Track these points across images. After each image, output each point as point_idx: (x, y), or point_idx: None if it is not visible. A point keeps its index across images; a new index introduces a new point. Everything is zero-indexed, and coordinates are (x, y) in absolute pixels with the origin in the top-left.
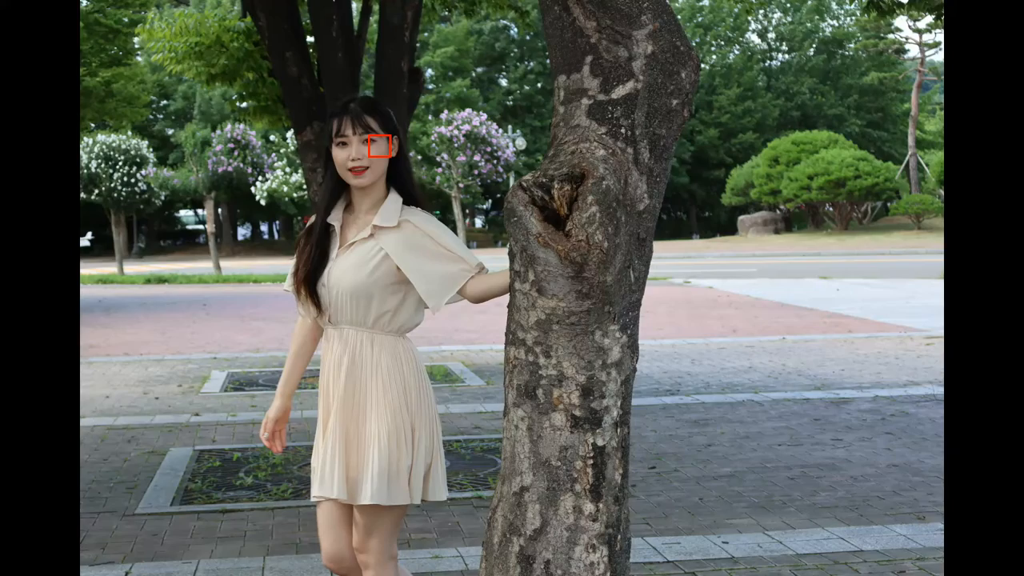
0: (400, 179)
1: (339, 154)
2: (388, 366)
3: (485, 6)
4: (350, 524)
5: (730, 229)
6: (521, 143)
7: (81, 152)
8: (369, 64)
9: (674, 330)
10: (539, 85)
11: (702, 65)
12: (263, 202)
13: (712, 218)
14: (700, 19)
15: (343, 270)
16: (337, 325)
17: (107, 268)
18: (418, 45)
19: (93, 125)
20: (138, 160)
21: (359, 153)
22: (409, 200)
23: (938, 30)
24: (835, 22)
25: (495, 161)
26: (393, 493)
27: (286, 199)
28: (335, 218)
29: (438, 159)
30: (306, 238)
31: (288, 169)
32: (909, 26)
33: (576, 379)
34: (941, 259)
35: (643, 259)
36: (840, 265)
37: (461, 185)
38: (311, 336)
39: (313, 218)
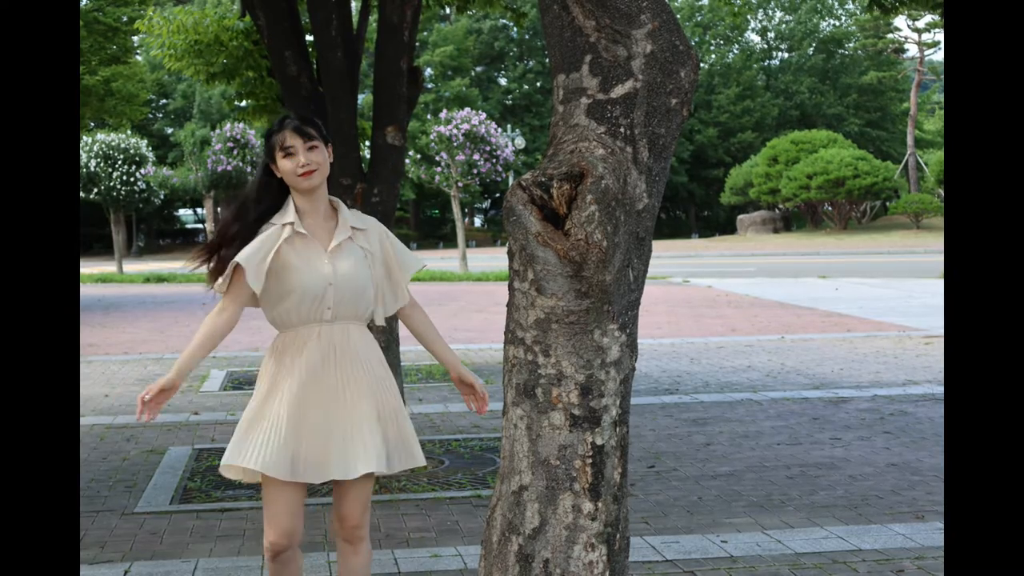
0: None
1: (286, 164)
2: (367, 351)
3: (479, 4)
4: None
5: (729, 228)
6: (520, 142)
7: (80, 151)
8: (368, 63)
9: (673, 329)
10: (538, 84)
11: (701, 64)
12: None
13: (711, 217)
14: (699, 18)
15: (347, 268)
16: (320, 321)
17: (106, 267)
18: (417, 44)
19: (92, 124)
20: (137, 159)
21: (307, 159)
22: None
23: (937, 29)
24: (835, 21)
25: (494, 160)
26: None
27: None
28: (300, 227)
29: (437, 158)
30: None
31: None
32: (908, 25)
33: (575, 378)
34: (940, 258)
35: (642, 258)
36: (839, 264)
37: (460, 184)
38: (229, 327)
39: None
